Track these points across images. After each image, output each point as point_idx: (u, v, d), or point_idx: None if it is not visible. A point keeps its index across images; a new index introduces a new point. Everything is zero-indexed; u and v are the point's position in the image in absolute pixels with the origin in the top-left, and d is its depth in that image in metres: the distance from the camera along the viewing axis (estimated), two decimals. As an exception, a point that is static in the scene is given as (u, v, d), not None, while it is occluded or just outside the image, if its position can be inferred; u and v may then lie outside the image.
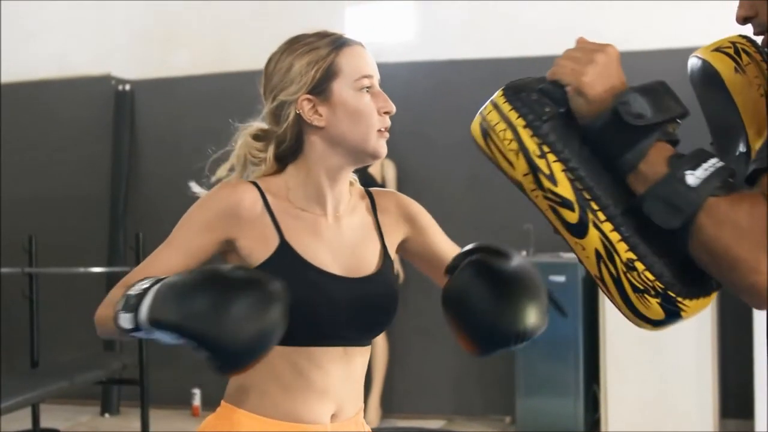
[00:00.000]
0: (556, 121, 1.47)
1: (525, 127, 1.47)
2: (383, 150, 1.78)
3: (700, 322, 5.41)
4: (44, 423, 5.76)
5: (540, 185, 1.46)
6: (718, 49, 1.63)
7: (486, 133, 1.53)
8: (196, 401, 6.50)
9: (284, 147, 1.79)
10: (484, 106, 1.56)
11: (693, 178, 1.36)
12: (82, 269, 6.30)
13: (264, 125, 1.82)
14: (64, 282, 6.66)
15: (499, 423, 6.02)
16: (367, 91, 1.76)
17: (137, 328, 1.56)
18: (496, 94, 1.54)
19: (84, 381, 5.50)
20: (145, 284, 1.58)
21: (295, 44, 1.78)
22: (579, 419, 5.68)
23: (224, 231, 1.74)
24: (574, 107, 1.46)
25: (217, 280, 1.51)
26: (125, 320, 1.57)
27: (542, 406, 5.73)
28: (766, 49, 1.56)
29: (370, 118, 1.75)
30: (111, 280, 6.65)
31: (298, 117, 1.76)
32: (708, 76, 1.62)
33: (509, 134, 1.48)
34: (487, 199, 6.07)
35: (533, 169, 1.46)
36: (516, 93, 1.50)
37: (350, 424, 1.81)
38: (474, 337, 1.69)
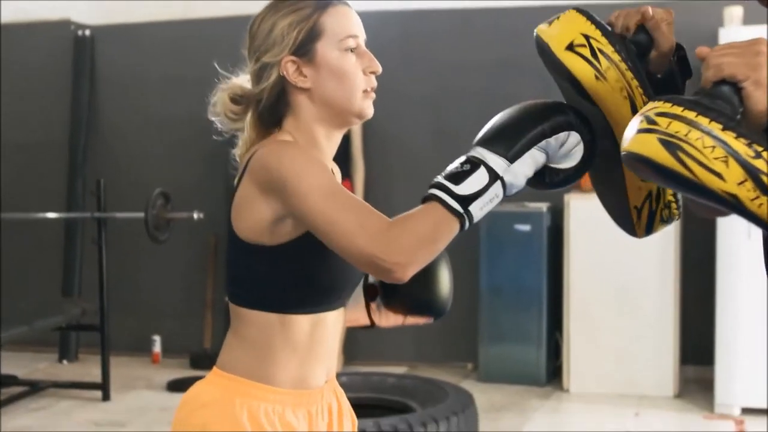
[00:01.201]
0: (743, 121, 1.35)
1: (724, 129, 1.32)
2: (369, 111, 1.76)
3: (662, 270, 5.45)
4: (1, 370, 5.72)
5: (765, 189, 1.30)
6: (571, 47, 1.58)
7: (675, 146, 1.33)
8: (156, 348, 6.47)
9: (263, 108, 1.75)
10: (647, 122, 1.37)
11: None
12: (40, 215, 6.21)
13: (243, 86, 1.77)
14: (22, 228, 6.57)
15: (461, 370, 6.06)
16: (352, 51, 1.73)
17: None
18: (653, 106, 1.38)
19: (43, 326, 5.46)
20: (462, 162, 1.59)
21: (279, 4, 1.73)
22: (541, 366, 5.72)
23: None
24: (753, 103, 1.36)
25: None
26: (486, 174, 1.56)
27: (505, 353, 5.77)
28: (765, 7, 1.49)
29: (355, 78, 1.72)
30: (70, 225, 6.58)
31: (283, 79, 1.72)
32: (571, 81, 1.59)
33: (709, 141, 1.32)
34: (452, 151, 5.98)
35: (752, 173, 1.30)
36: (687, 100, 1.37)
37: (333, 380, 1.84)
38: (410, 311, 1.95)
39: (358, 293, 1.89)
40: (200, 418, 1.71)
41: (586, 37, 1.57)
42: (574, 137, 1.58)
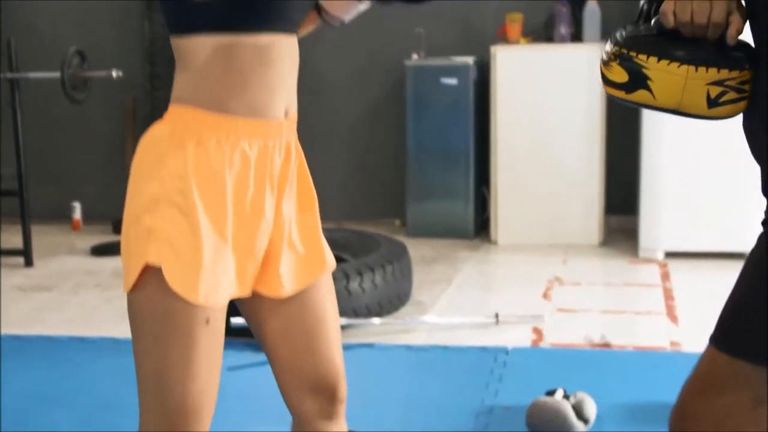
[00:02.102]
0: None
1: None
2: None
3: (588, 122, 5.47)
4: None
5: None
6: (716, 103, 1.62)
7: None
8: (77, 215, 6.33)
9: None
10: None
11: None
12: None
13: None
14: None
15: (389, 226, 6.07)
16: None
17: None
18: None
19: (-41, 193, 5.28)
20: None
21: None
22: (469, 220, 5.76)
23: None
24: None
25: None
26: None
27: (432, 208, 5.78)
28: None
29: None
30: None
31: None
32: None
33: None
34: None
35: None
36: None
37: (294, 124, 1.77)
38: None
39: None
40: (152, 153, 1.65)
41: (720, 83, 1.58)
42: None
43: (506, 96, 5.52)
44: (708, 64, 1.57)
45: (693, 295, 4.59)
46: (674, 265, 5.10)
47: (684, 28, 1.58)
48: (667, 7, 1.58)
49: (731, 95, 1.59)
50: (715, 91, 1.58)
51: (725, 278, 5.03)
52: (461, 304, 4.49)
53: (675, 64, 1.58)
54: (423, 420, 3.13)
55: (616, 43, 1.64)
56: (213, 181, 1.62)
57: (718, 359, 1.57)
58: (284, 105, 1.71)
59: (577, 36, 5.59)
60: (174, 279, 1.58)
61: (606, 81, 1.66)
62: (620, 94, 1.64)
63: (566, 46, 5.53)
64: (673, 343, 3.92)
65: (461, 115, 5.67)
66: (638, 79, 1.60)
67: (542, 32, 5.70)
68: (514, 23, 5.56)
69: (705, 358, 1.61)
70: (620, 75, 1.62)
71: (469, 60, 5.66)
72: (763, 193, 1.61)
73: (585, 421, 2.97)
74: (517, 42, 5.58)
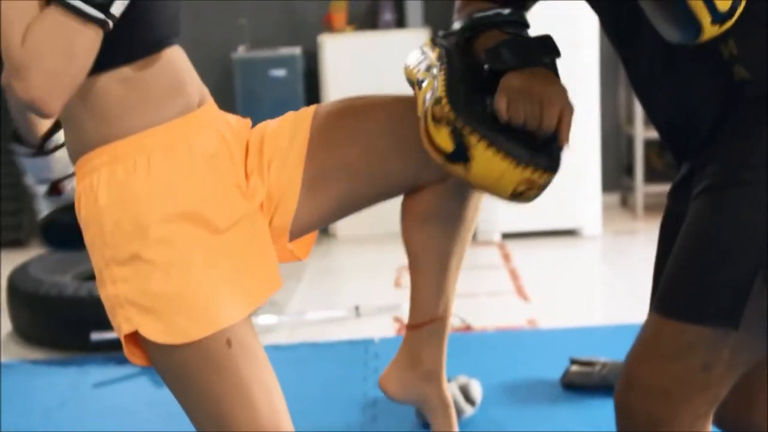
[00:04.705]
0: None
1: None
2: None
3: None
4: None
5: None
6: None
7: None
8: None
9: None
10: None
11: None
12: None
13: None
14: None
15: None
16: None
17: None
18: None
19: None
20: None
21: None
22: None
23: None
24: None
25: None
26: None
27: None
28: None
29: None
30: None
31: None
32: None
33: None
34: (195, -6, 5.73)
35: None
36: None
37: (212, 106, 1.69)
38: None
39: None
40: (84, 220, 1.54)
41: (530, 182, 1.59)
42: None
43: (336, 84, 5.47)
44: (529, 165, 1.57)
45: (536, 273, 4.71)
46: (512, 245, 5.22)
47: (516, 124, 1.59)
48: (500, 104, 1.58)
49: (533, 192, 1.61)
50: (522, 187, 1.59)
51: (563, 254, 5.20)
52: (316, 300, 4.43)
53: (500, 156, 1.56)
54: (309, 416, 3.05)
55: (453, 107, 1.58)
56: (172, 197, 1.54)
57: (663, 326, 1.56)
58: (196, 99, 1.63)
59: (401, 22, 5.62)
60: (158, 333, 1.47)
61: (429, 138, 1.61)
62: (438, 158, 1.60)
63: (391, 32, 5.55)
64: (529, 321, 4.01)
65: (292, 107, 5.54)
66: (461, 155, 1.57)
67: (367, 19, 5.70)
68: (339, 11, 5.52)
69: (648, 327, 1.60)
70: (447, 143, 1.58)
71: (297, 50, 5.59)
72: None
73: (472, 403, 2.98)
74: (342, 30, 5.55)
